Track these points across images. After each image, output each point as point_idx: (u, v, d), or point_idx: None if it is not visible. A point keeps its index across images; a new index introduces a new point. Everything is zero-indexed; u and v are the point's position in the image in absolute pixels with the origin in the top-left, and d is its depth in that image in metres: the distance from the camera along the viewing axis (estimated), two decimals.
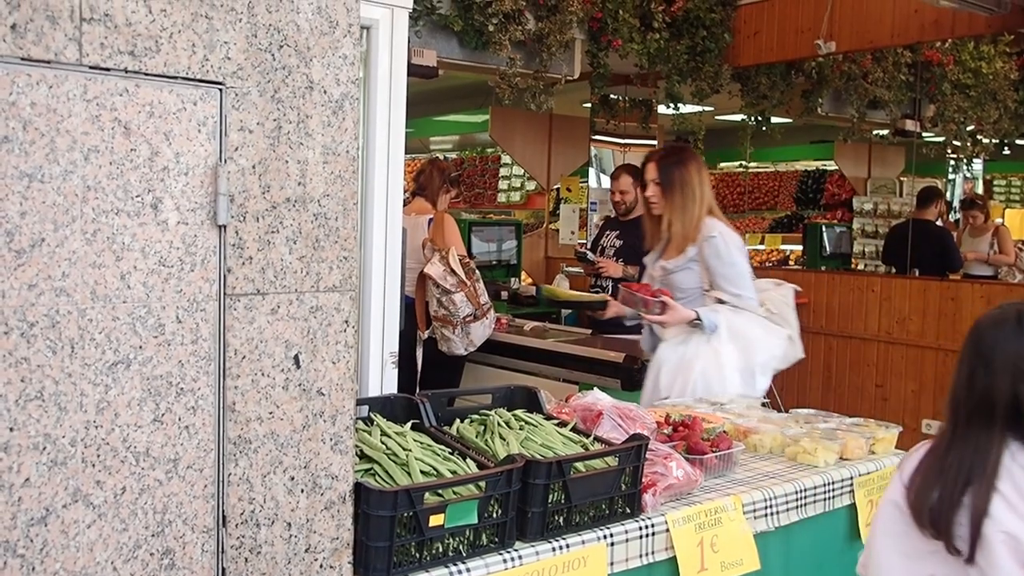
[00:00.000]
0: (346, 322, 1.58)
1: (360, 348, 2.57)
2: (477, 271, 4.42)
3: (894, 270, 7.16)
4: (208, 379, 1.44)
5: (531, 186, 8.79)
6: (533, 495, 1.80)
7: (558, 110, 7.91)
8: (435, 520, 1.65)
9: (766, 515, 2.19)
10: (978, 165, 10.74)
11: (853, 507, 2.40)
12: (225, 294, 1.44)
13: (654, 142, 8.13)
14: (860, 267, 8.80)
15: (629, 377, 4.10)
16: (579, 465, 1.90)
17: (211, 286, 1.43)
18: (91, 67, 1.30)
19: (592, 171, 8.17)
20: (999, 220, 9.27)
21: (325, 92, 1.53)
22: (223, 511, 1.46)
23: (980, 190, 10.70)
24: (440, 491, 1.69)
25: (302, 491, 1.55)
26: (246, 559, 1.49)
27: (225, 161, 1.43)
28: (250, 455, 1.48)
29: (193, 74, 1.39)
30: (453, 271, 4.25)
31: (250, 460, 1.48)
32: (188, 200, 1.40)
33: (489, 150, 9.30)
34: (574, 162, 8.04)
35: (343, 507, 1.60)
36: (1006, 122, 8.74)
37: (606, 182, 8.09)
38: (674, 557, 1.98)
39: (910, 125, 8.71)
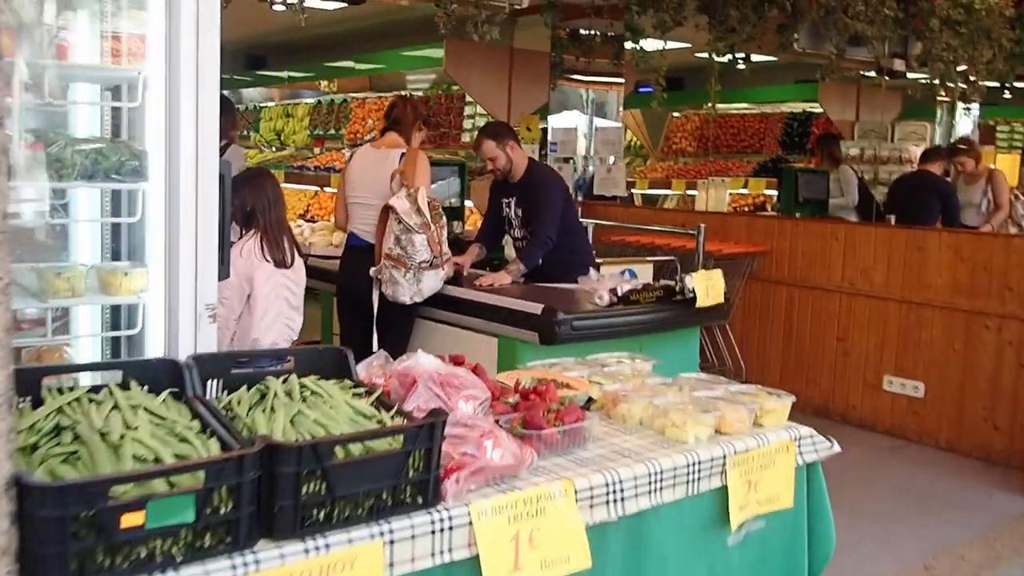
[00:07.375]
0: None
1: (168, 300, 2.24)
2: (444, 217, 4.10)
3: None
4: None
5: None
6: (281, 486, 1.47)
7: (519, 44, 7.45)
8: (130, 519, 1.32)
9: (607, 502, 1.86)
10: (975, 109, 10.23)
11: (724, 489, 2.07)
12: None
13: (621, 80, 7.67)
14: None
15: (548, 330, 3.76)
16: (353, 448, 1.57)
17: None
18: None
19: (565, 111, 7.71)
20: (991, 165, 8.75)
21: None
22: None
23: (977, 136, 10.17)
24: (142, 482, 1.36)
25: None
26: None
27: None
28: None
29: None
30: (419, 210, 3.92)
31: None
32: None
33: (455, 87, 8.83)
34: (536, 100, 7.58)
35: None
36: (1000, 62, 8.22)
37: (571, 121, 7.65)
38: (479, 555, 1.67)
39: (898, 64, 8.21)
